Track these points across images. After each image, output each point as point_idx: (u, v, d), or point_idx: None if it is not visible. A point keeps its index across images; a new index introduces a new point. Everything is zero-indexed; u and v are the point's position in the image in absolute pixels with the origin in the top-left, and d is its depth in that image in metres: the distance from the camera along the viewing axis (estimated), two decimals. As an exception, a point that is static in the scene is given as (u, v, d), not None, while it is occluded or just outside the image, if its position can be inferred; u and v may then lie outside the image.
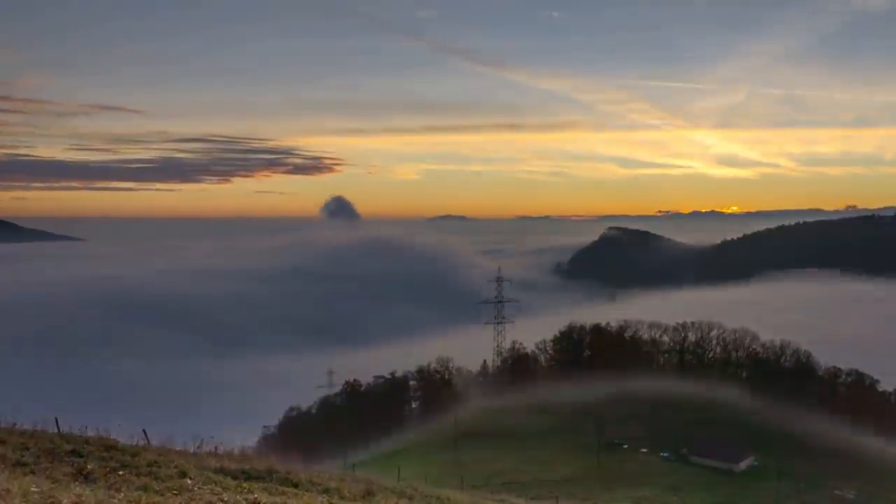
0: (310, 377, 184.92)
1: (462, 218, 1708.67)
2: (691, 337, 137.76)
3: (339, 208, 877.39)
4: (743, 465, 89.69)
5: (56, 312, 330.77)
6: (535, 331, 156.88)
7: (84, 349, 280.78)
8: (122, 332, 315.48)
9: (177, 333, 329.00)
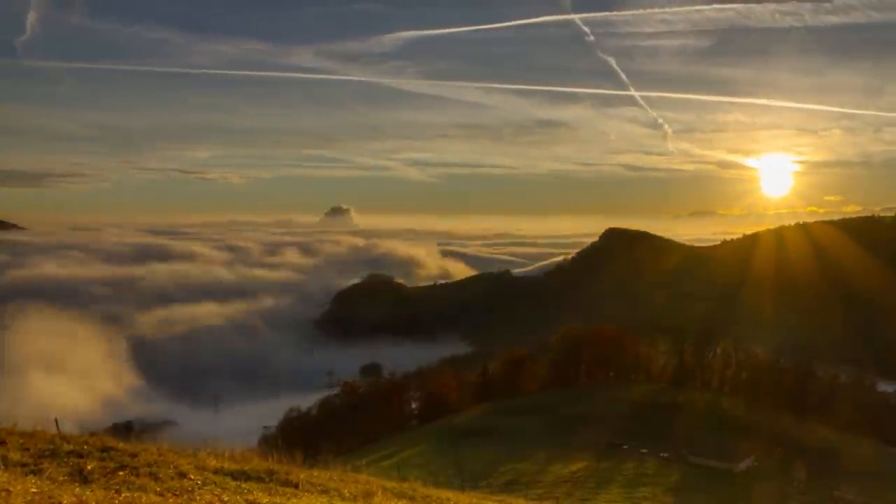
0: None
1: (465, 217, 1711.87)
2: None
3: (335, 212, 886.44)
4: (743, 465, 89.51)
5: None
6: (534, 331, 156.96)
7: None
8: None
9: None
